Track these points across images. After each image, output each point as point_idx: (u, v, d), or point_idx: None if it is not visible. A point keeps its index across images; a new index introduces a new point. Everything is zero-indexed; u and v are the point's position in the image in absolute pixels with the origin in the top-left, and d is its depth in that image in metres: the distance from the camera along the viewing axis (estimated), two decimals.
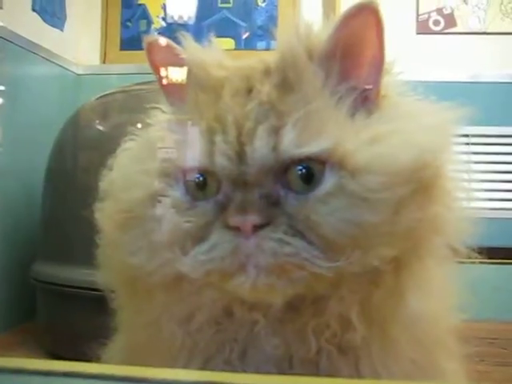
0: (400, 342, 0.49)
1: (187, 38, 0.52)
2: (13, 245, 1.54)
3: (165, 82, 0.54)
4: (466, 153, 0.52)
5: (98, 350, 0.67)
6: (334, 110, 0.47)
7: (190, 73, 0.51)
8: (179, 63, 0.52)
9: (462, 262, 0.51)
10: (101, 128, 1.36)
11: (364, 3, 0.46)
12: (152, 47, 0.53)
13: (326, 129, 0.45)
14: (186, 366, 0.49)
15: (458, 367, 0.56)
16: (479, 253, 0.51)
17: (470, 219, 0.49)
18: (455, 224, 0.49)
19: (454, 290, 0.53)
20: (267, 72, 0.48)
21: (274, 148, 0.44)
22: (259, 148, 0.44)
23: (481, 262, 0.52)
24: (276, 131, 0.44)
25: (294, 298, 0.46)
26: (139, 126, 0.58)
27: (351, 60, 0.48)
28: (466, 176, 0.52)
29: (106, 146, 0.56)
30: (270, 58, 0.50)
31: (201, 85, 0.49)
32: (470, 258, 0.51)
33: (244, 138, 0.44)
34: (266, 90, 0.46)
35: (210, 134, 0.46)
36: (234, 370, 0.48)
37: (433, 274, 0.51)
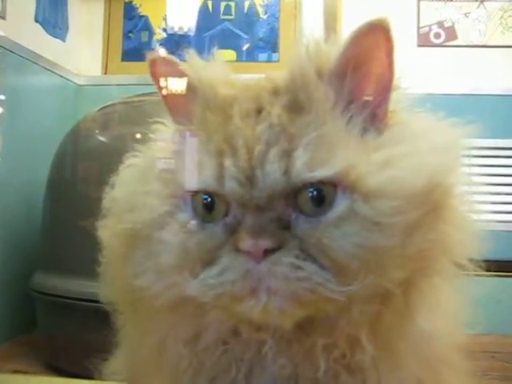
0: (408, 361, 0.49)
1: (191, 54, 0.51)
2: (13, 255, 1.53)
3: (169, 99, 0.52)
4: (468, 165, 0.52)
5: (99, 365, 0.66)
6: (345, 130, 0.46)
7: (195, 91, 0.49)
8: (183, 80, 0.51)
9: (468, 276, 0.51)
10: (102, 139, 1.35)
11: (374, 22, 0.45)
12: (154, 64, 0.51)
13: (337, 151, 0.44)
14: None
15: None
16: (486, 268, 0.51)
17: (477, 235, 0.49)
18: (464, 242, 0.48)
19: (461, 305, 0.53)
20: (276, 92, 0.47)
21: (286, 172, 0.43)
22: (271, 172, 0.43)
23: (486, 276, 0.52)
24: (287, 155, 0.43)
25: (303, 319, 0.45)
26: (138, 136, 0.57)
27: (361, 78, 0.47)
28: (472, 191, 0.51)
29: (107, 158, 0.55)
30: (277, 75, 0.49)
31: (208, 103, 0.48)
32: (476, 271, 0.50)
33: (255, 162, 0.43)
34: (276, 111, 0.45)
35: (219, 157, 0.45)
36: None
37: (440, 292, 0.50)
